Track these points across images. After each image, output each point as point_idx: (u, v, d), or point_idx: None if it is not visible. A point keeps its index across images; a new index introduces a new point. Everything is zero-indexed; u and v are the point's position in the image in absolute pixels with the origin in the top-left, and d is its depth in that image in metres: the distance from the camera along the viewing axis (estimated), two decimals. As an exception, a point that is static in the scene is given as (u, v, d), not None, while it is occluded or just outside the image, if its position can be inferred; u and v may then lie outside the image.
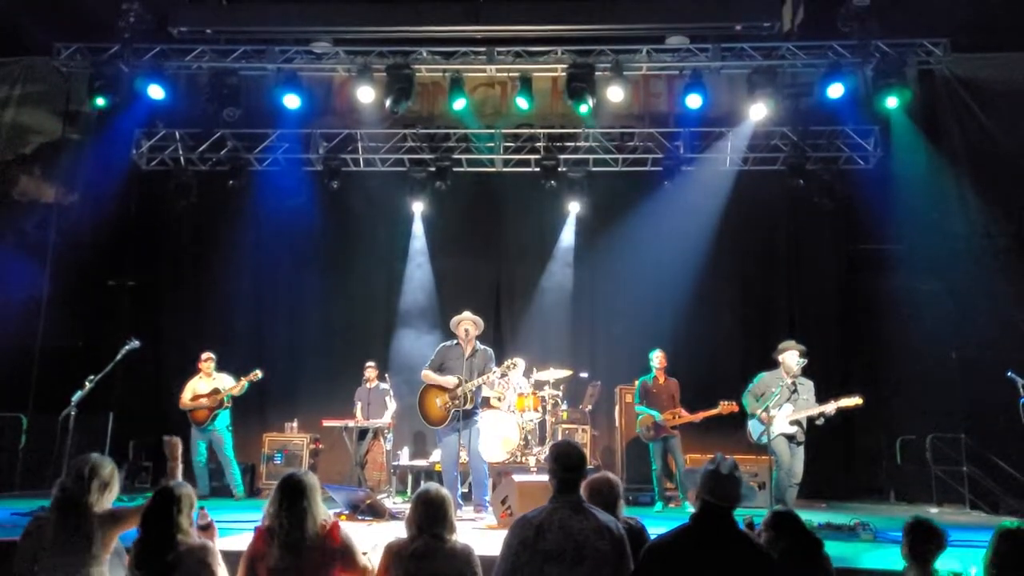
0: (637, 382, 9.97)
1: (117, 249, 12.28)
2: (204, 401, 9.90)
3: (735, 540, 3.49)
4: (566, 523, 3.55)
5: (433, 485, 4.05)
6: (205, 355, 10.13)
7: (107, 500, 4.20)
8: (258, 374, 9.91)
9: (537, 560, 3.49)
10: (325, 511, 3.98)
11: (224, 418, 9.98)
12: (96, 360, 9.28)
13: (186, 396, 10.01)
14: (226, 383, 9.98)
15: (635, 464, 10.42)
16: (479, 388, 8.19)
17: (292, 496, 3.86)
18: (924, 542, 3.96)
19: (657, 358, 9.80)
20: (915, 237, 11.18)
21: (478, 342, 8.35)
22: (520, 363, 8.57)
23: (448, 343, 8.39)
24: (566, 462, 3.80)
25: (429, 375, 8.28)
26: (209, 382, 10.00)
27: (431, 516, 3.85)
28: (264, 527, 3.90)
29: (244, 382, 9.90)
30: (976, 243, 11.09)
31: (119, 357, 8.95)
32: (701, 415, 9.40)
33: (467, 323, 8.25)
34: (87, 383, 8.57)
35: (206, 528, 4.18)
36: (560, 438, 10.56)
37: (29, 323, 11.14)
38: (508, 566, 3.59)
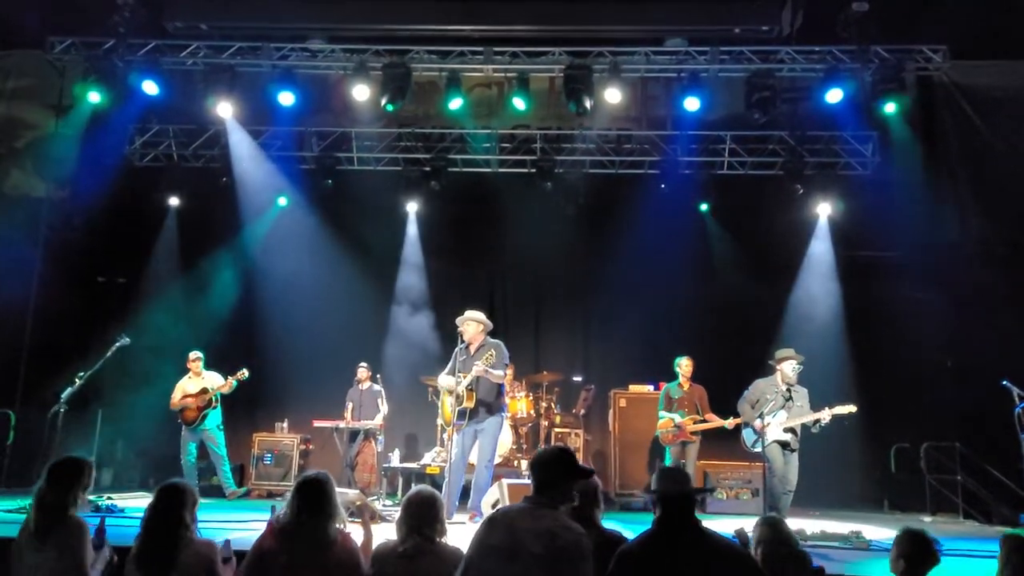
0: (663, 388, 9.96)
1: (108, 245, 12.20)
2: (192, 401, 9.82)
3: (701, 535, 3.45)
4: (514, 520, 3.49)
5: (424, 487, 4.04)
6: (193, 355, 10.08)
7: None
8: (245, 373, 9.84)
9: (482, 553, 3.46)
10: (343, 515, 3.93)
11: (215, 417, 9.91)
12: (85, 356, 9.22)
13: (175, 396, 9.94)
14: (214, 382, 9.91)
15: (628, 469, 10.38)
16: (485, 389, 7.96)
17: (313, 497, 3.81)
18: (921, 559, 3.77)
19: (682, 364, 9.76)
20: (912, 245, 11.14)
21: (488, 338, 8.18)
22: (505, 356, 8.27)
23: (460, 346, 8.23)
24: (531, 462, 3.81)
25: (440, 379, 8.29)
26: (198, 381, 9.92)
27: (421, 517, 3.83)
28: (279, 526, 3.83)
29: (232, 381, 9.83)
30: (973, 251, 11.07)
31: (109, 354, 8.88)
32: (733, 421, 9.03)
33: (467, 323, 8.13)
34: (76, 379, 8.51)
35: (227, 560, 4.12)
36: (553, 442, 10.52)
37: (18, 318, 11.03)
38: (467, 554, 3.56)
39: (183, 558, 3.76)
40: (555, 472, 3.66)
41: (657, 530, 3.51)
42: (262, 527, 6.34)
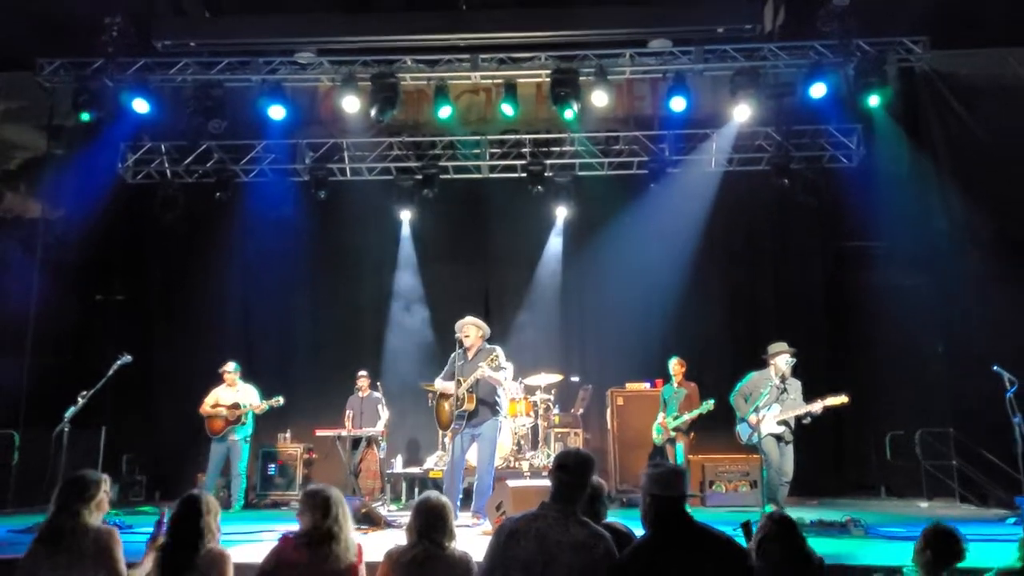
0: (661, 388, 10.30)
1: (104, 264, 12.25)
2: (223, 412, 9.89)
3: (699, 534, 3.50)
4: (543, 532, 3.39)
5: (433, 492, 4.09)
6: (228, 365, 10.09)
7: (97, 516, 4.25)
8: (280, 400, 9.97)
9: (507, 566, 3.39)
10: (351, 526, 4.11)
11: (244, 430, 9.93)
12: (86, 375, 9.26)
13: (207, 403, 9.97)
14: (249, 397, 9.95)
15: (627, 467, 10.49)
16: (485, 391, 8.03)
17: (329, 507, 3.97)
18: (946, 553, 3.83)
19: (673, 365, 10.07)
20: (899, 233, 11.27)
21: (485, 343, 8.25)
22: (505, 363, 8.38)
23: (457, 351, 8.30)
24: (560, 464, 3.72)
25: (436, 383, 8.36)
26: (232, 393, 9.95)
27: (431, 523, 3.89)
28: (299, 537, 3.97)
29: (265, 405, 9.92)
30: (959, 238, 11.20)
31: (111, 372, 8.94)
32: (688, 419, 9.66)
33: (468, 327, 8.19)
34: (80, 398, 8.55)
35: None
36: (553, 443, 10.63)
37: (18, 339, 11.08)
38: (484, 566, 3.55)
39: (200, 564, 3.87)
40: (584, 477, 3.61)
41: (654, 534, 3.53)
42: (269, 537, 6.44)
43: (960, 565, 3.87)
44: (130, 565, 4.26)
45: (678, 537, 3.47)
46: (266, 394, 10.30)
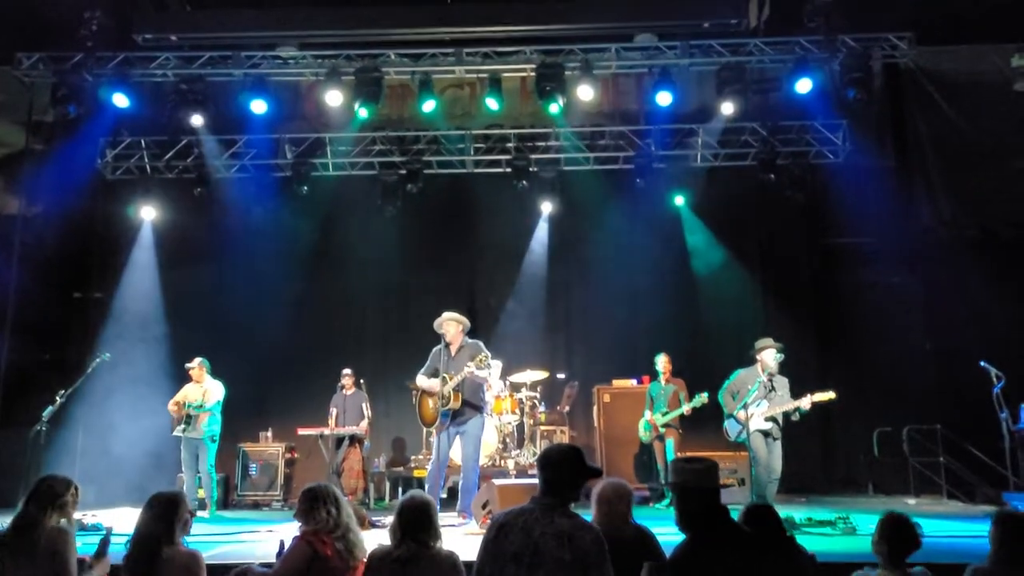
0: (648, 386, 10.28)
1: (84, 260, 12.11)
2: (173, 410, 9.65)
3: (738, 529, 3.51)
4: (529, 525, 3.39)
5: (418, 491, 4.05)
6: (192, 361, 9.77)
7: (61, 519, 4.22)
8: (192, 411, 9.59)
9: (497, 560, 3.38)
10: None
11: (208, 428, 9.56)
12: (63, 374, 9.14)
13: (175, 399, 9.69)
14: (203, 393, 9.66)
15: (614, 464, 10.43)
16: (471, 389, 7.98)
17: (340, 502, 4.13)
18: (901, 542, 3.83)
19: (660, 362, 10.04)
20: (885, 230, 11.26)
21: (467, 338, 8.20)
22: (492, 361, 8.32)
23: (439, 346, 8.19)
24: (541, 460, 3.69)
25: (419, 380, 8.24)
26: (197, 389, 9.71)
27: (415, 522, 3.83)
28: (323, 534, 3.98)
29: (184, 414, 9.52)
30: (945, 234, 11.22)
31: (89, 370, 8.80)
32: (688, 408, 9.62)
33: (447, 323, 8.13)
34: (58, 398, 8.43)
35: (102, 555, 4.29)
36: (538, 440, 10.57)
37: (-5, 337, 10.94)
38: (478, 560, 3.51)
39: (165, 567, 3.79)
40: (566, 471, 3.56)
41: (703, 532, 3.49)
42: (249, 539, 6.32)
43: (943, 561, 3.83)
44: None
45: (726, 534, 3.49)
46: (242, 391, 10.11)
